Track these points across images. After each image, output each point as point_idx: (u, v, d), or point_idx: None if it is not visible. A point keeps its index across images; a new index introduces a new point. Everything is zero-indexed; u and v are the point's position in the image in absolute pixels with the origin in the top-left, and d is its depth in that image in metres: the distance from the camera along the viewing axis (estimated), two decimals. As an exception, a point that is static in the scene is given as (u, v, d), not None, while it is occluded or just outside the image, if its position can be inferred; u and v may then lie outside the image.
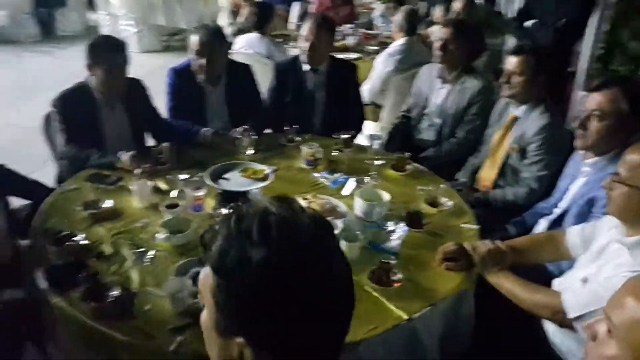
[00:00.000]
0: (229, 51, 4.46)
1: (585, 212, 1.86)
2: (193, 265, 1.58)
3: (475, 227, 2.00)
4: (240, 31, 5.26)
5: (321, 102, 3.05)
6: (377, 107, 4.18)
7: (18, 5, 7.90)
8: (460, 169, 2.85)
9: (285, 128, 2.76)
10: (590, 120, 1.86)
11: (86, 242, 1.77)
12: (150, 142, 2.73)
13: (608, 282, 1.35)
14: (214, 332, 0.75)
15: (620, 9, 3.11)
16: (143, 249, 1.74)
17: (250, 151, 2.47)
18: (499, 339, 1.76)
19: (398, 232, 1.87)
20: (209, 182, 1.94)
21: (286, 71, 3.07)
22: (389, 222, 1.91)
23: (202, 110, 2.84)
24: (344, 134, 2.59)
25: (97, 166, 2.30)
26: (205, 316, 0.77)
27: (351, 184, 2.20)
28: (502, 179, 2.56)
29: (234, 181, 1.98)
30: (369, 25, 6.74)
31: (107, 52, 2.36)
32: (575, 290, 1.46)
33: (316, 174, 2.39)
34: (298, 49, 3.04)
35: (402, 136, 3.22)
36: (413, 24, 3.99)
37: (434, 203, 2.14)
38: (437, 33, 2.97)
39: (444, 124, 3.03)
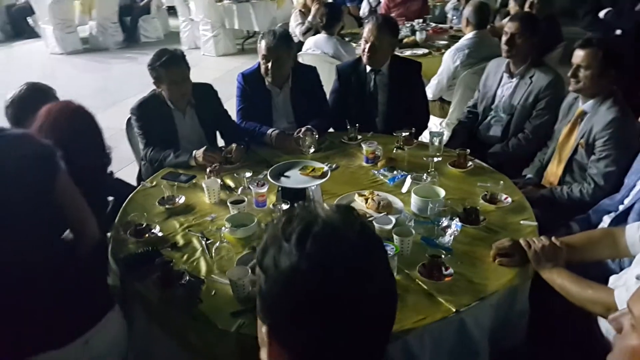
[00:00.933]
0: (298, 53, 4.67)
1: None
2: (253, 257, 1.71)
3: (533, 223, 1.99)
4: (309, 30, 5.42)
5: (383, 102, 3.10)
6: (445, 103, 4.16)
7: (106, 15, 8.57)
8: (528, 165, 2.81)
9: (347, 127, 2.85)
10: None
11: (161, 233, 1.97)
12: (220, 142, 2.91)
13: (663, 280, 1.32)
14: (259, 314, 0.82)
15: None
16: (211, 241, 1.90)
17: (312, 150, 2.58)
18: (553, 335, 1.75)
19: (452, 227, 1.89)
20: (270, 179, 2.07)
21: (348, 73, 3.15)
22: (443, 218, 1.94)
23: (269, 112, 2.98)
24: (404, 132, 2.64)
25: (173, 166, 2.51)
26: None
27: (408, 181, 2.25)
28: (568, 175, 2.49)
29: (294, 179, 2.09)
30: (442, 19, 6.67)
31: (166, 69, 2.54)
32: (629, 287, 1.43)
33: (375, 171, 2.46)
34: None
35: (467, 132, 3.21)
36: (482, 18, 3.92)
37: (492, 199, 2.14)
38: (505, 27, 2.92)
39: (511, 120, 2.99)
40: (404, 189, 2.23)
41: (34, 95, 2.26)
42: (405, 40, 4.98)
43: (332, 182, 2.36)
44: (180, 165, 2.52)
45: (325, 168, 2.16)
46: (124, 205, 2.22)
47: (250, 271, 1.60)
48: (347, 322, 0.72)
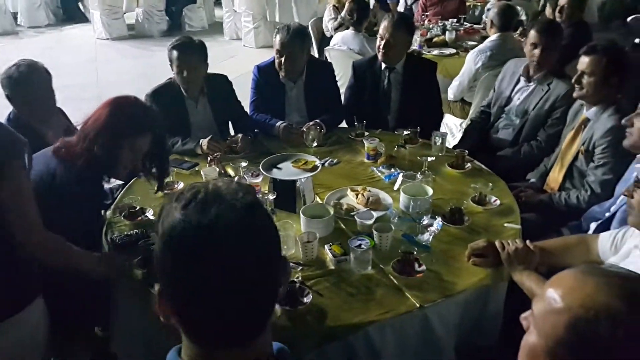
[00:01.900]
0: (325, 48, 4.74)
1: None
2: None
3: (517, 226, 2.00)
4: (341, 25, 5.47)
5: (396, 100, 3.14)
6: (466, 104, 4.15)
7: (153, 3, 8.87)
8: (533, 169, 2.79)
9: (355, 124, 2.91)
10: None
11: (154, 217, 2.08)
12: (232, 132, 3.03)
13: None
14: None
15: None
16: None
17: (316, 144, 2.66)
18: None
19: (433, 226, 1.94)
20: (262, 170, 2.16)
21: (364, 70, 3.20)
22: (425, 216, 1.99)
23: (282, 105, 3.07)
24: (407, 130, 2.68)
25: (180, 153, 2.64)
26: None
27: (400, 179, 2.30)
28: (568, 181, 2.48)
29: (285, 170, 2.17)
30: (479, 19, 6.57)
31: (176, 55, 2.67)
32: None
33: (374, 168, 2.52)
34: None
35: (478, 133, 3.20)
36: (506, 20, 3.88)
37: (481, 201, 2.16)
38: (528, 37, 2.91)
39: (523, 125, 2.96)
40: (396, 187, 2.28)
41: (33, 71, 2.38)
42: (434, 40, 4.96)
43: (330, 176, 2.44)
44: (187, 153, 2.64)
45: (317, 162, 2.23)
46: (124, 189, 2.35)
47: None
48: (219, 282, 0.76)
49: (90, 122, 1.90)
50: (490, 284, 1.76)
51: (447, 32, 5.11)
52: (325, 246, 1.87)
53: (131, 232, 1.99)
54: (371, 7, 5.76)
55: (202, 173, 2.36)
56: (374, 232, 1.88)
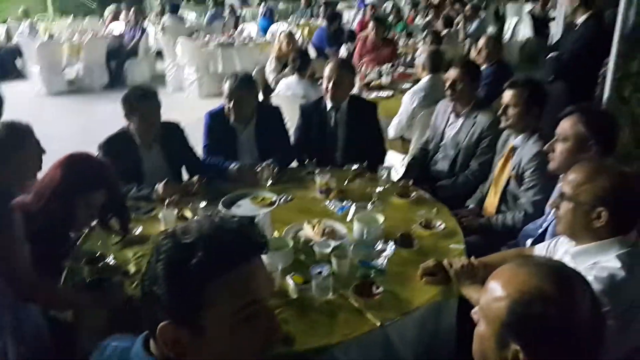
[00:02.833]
0: (271, 95, 4.93)
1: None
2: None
3: (461, 247, 2.18)
4: (283, 77, 5.70)
5: (343, 138, 3.33)
6: (406, 141, 4.41)
7: (93, 58, 8.87)
8: (471, 196, 3.02)
9: (306, 162, 3.06)
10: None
11: (114, 262, 2.12)
12: (185, 177, 3.09)
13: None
14: None
15: (629, 40, 3.22)
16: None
17: (270, 182, 2.78)
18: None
19: (387, 251, 2.08)
20: (221, 208, 2.25)
21: (311, 112, 3.40)
22: (379, 242, 2.13)
23: (234, 148, 3.19)
24: (355, 165, 2.86)
25: (136, 199, 2.68)
26: None
27: (352, 209, 2.44)
28: (504, 204, 2.71)
29: (244, 207, 2.27)
30: (412, 63, 7.03)
31: (139, 102, 2.77)
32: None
33: (327, 202, 2.66)
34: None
35: (420, 167, 3.44)
36: (436, 63, 4.23)
37: (428, 226, 2.33)
38: (447, 74, 3.21)
39: (457, 156, 3.22)
40: (349, 217, 2.42)
41: (13, 135, 2.28)
42: (372, 84, 5.28)
43: (286, 212, 2.55)
44: (142, 199, 2.68)
45: (274, 198, 2.35)
46: (82, 237, 2.36)
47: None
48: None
49: (45, 181, 1.97)
50: (442, 299, 1.90)
51: (383, 76, 5.44)
52: (287, 277, 1.95)
53: (93, 278, 2.00)
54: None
55: (160, 217, 2.41)
56: (333, 259, 1.99)
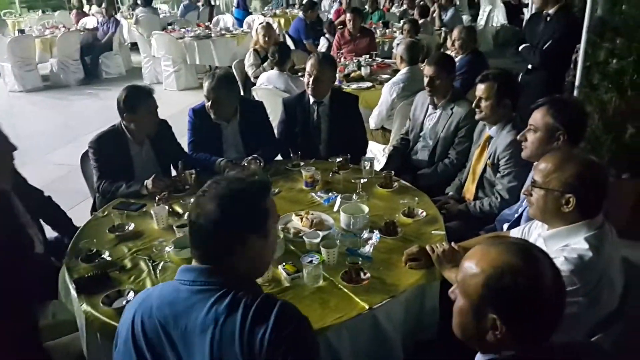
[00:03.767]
0: (252, 88, 4.98)
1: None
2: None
3: (442, 233, 2.31)
4: (263, 72, 5.76)
5: (325, 130, 3.43)
6: (387, 131, 4.53)
7: (67, 53, 8.77)
8: (450, 184, 3.16)
9: (291, 155, 3.15)
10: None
11: (110, 258, 2.19)
12: (174, 173, 3.16)
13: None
14: None
15: (596, 30, 3.38)
16: (156, 262, 2.14)
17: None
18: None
19: (372, 239, 2.20)
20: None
21: (294, 105, 3.48)
22: (365, 231, 2.24)
23: (219, 144, 3.25)
24: (339, 158, 2.96)
25: (126, 195, 2.74)
26: None
27: (338, 200, 2.55)
28: (481, 191, 2.85)
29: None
30: (389, 54, 7.13)
31: (140, 101, 2.82)
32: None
33: (313, 194, 2.75)
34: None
35: (401, 157, 3.56)
36: (413, 55, 4.34)
37: (410, 214, 2.45)
38: (424, 70, 3.32)
39: (436, 146, 3.35)
40: (335, 208, 2.53)
41: None
42: (351, 75, 5.37)
43: (274, 204, 2.64)
44: (132, 195, 2.74)
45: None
46: (75, 235, 2.43)
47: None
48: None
49: None
50: (426, 282, 2.02)
51: (362, 68, 5.53)
52: (279, 266, 2.05)
53: (91, 273, 2.07)
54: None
55: (152, 212, 2.48)
56: (322, 249, 2.10)
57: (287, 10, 11.78)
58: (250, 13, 11.13)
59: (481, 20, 10.67)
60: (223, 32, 8.93)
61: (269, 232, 1.39)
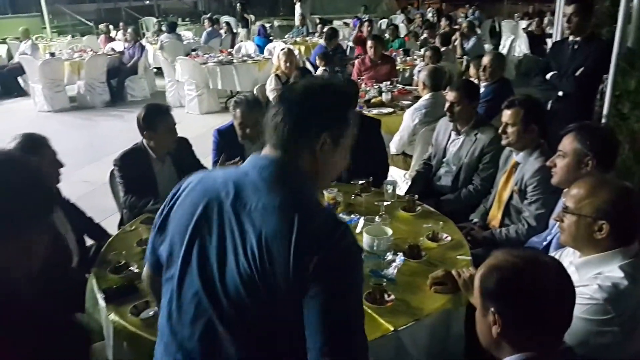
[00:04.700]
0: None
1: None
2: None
3: (468, 258, 2.27)
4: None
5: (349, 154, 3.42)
6: (408, 156, 4.51)
7: (94, 76, 9.00)
8: (475, 210, 3.12)
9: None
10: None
11: (138, 270, 2.20)
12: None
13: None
14: None
15: (626, 58, 3.35)
16: (182, 276, 2.14)
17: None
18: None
19: (396, 261, 2.17)
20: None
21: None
22: (389, 253, 2.21)
23: (242, 163, 3.27)
24: (361, 181, 2.95)
25: (153, 211, 2.75)
26: None
27: (361, 222, 2.53)
28: (507, 218, 2.80)
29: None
30: (409, 80, 7.18)
31: (159, 119, 2.91)
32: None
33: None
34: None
35: (424, 182, 3.54)
36: (436, 81, 4.35)
37: (434, 238, 2.42)
38: (446, 96, 3.33)
39: (460, 171, 3.32)
40: (358, 229, 2.51)
41: (31, 146, 2.36)
42: (372, 101, 5.40)
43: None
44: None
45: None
46: (103, 247, 2.46)
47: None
48: None
49: None
50: (452, 307, 1.98)
51: (383, 94, 5.56)
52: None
53: (119, 284, 2.10)
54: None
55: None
56: (345, 269, 2.07)
57: (308, 38, 11.95)
58: (271, 40, 11.32)
59: (503, 49, 10.70)
60: (245, 58, 9.09)
61: (340, 142, 1.39)
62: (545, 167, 2.57)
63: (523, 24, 12.26)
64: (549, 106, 4.07)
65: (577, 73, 3.99)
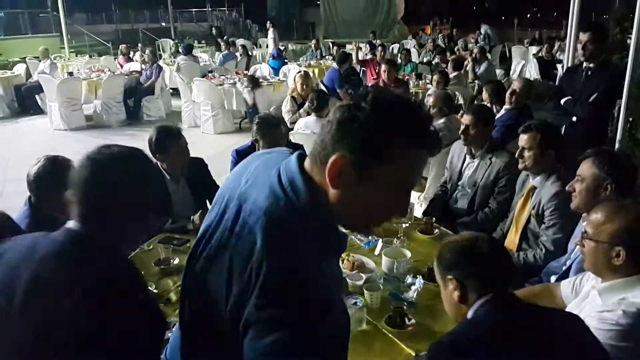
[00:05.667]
0: (290, 132, 5.09)
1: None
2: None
3: (487, 282, 2.26)
4: (299, 117, 5.89)
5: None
6: (422, 178, 4.53)
7: (111, 96, 9.15)
8: (491, 234, 3.11)
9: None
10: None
11: (156, 291, 2.22)
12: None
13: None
14: None
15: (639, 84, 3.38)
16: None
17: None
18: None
19: (416, 284, 2.17)
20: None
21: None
22: (408, 276, 2.22)
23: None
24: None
25: (170, 231, 2.80)
26: None
27: (380, 244, 2.54)
28: (524, 242, 2.80)
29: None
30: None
31: (172, 140, 2.97)
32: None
33: (353, 237, 2.75)
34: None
35: (441, 204, 3.55)
36: (449, 105, 4.41)
37: (453, 262, 2.42)
38: (461, 119, 3.36)
39: (475, 194, 3.33)
40: (376, 251, 2.52)
41: (57, 170, 2.25)
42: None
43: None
44: (177, 230, 2.80)
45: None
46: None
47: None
48: None
49: None
50: (473, 332, 1.97)
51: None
52: (322, 308, 2.04)
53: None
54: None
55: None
56: (365, 291, 2.08)
57: (321, 62, 12.11)
58: (286, 63, 11.47)
59: (514, 74, 10.75)
60: (260, 80, 9.21)
61: (364, 174, 1.03)
62: (562, 191, 2.58)
63: (533, 49, 12.33)
64: (562, 131, 4.09)
65: (591, 99, 4.01)
